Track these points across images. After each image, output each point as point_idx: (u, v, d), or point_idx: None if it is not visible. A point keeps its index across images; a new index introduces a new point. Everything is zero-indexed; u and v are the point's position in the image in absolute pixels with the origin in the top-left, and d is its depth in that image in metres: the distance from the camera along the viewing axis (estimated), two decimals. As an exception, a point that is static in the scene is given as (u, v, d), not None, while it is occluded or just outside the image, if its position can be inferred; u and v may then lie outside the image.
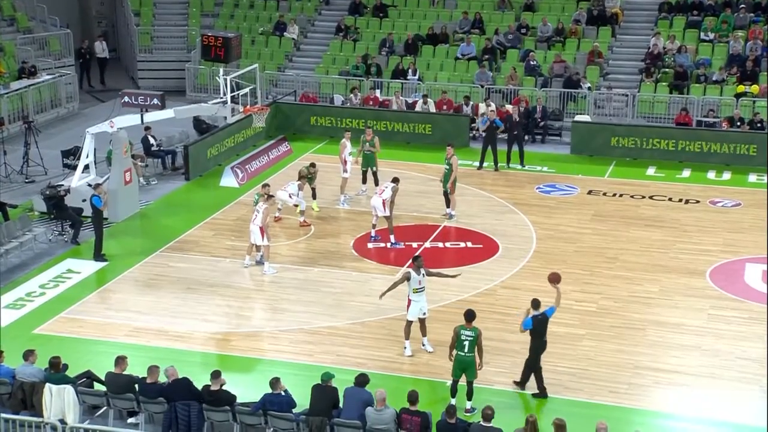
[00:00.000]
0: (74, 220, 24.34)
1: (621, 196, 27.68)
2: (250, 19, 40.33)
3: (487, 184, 28.53)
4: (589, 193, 27.93)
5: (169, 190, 28.18)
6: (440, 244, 24.22)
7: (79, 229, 24.21)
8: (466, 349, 16.79)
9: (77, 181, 25.76)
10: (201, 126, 31.77)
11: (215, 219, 25.88)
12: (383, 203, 23.67)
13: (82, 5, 44.81)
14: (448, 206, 25.65)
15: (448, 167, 25.33)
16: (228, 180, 28.73)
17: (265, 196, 22.85)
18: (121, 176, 25.68)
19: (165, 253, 23.61)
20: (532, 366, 17.48)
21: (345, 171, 26.61)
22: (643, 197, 27.54)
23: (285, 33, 38.87)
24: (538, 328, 17.29)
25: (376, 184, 25.98)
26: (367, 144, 26.72)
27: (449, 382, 17.35)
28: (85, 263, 22.98)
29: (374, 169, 26.86)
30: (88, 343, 19.41)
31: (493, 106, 31.83)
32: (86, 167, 26.18)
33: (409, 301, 18.71)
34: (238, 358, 18.94)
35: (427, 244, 24.06)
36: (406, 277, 18.72)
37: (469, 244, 24.32)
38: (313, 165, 26.08)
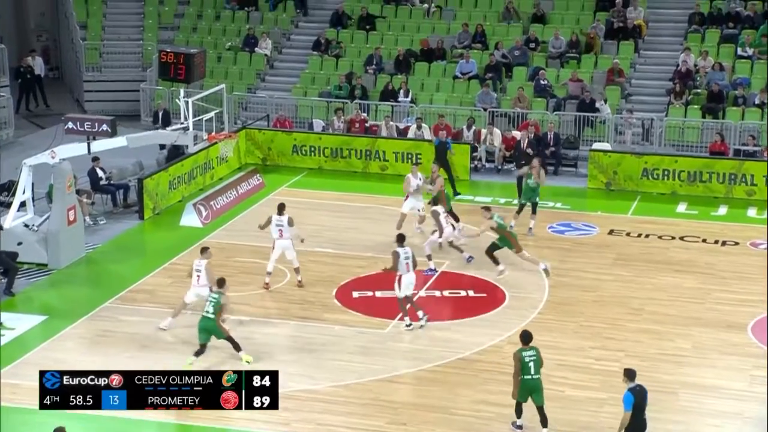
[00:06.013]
0: (8, 266, 24.17)
1: (647, 236, 27.71)
2: (215, 32, 40.46)
3: (491, 222, 28.47)
4: (610, 233, 27.95)
5: (120, 231, 28.09)
6: (437, 293, 24.14)
7: (14, 277, 24.02)
8: (532, 371, 17.53)
9: (11, 221, 25.61)
10: (178, 153, 31.29)
11: (174, 264, 25.75)
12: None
13: (18, 16, 44.82)
14: (457, 221, 26.48)
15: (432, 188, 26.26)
16: (189, 219, 28.58)
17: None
18: (63, 215, 25.57)
19: (114, 305, 23.46)
20: None
21: (406, 206, 27.02)
22: (673, 238, 27.56)
23: (256, 48, 38.98)
24: (639, 402, 16.89)
25: (456, 219, 26.76)
26: (429, 186, 26.95)
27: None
28: (21, 317, 22.76)
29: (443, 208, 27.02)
30: (23, 412, 19.17)
31: (498, 132, 31.91)
32: (22, 205, 26.06)
33: (400, 277, 21.49)
34: (202, 429, 18.71)
35: (422, 293, 23.94)
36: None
37: (471, 293, 24.25)
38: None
